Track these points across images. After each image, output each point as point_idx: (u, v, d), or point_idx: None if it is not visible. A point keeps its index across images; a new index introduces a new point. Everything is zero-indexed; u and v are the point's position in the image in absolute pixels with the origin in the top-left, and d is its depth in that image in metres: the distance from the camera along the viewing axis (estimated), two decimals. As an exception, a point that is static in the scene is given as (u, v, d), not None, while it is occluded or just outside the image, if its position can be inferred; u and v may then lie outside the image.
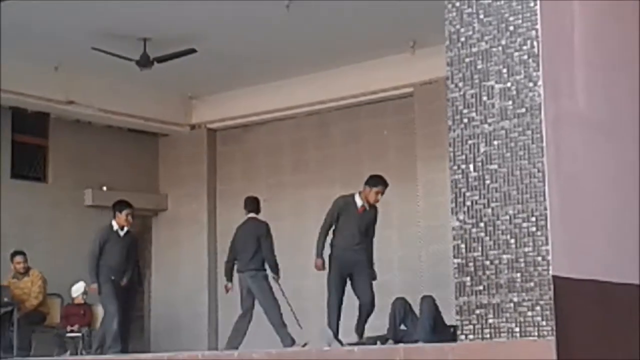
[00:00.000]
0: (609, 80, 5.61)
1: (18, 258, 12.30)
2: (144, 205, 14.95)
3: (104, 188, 14.54)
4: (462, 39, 5.31)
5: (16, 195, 13.39)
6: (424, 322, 9.39)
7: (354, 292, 9.97)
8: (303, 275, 13.88)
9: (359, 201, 10.11)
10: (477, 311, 5.05)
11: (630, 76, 5.80)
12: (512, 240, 4.98)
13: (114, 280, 11.04)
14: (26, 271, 12.29)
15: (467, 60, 5.27)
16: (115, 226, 11.27)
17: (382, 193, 10.09)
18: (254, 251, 10.97)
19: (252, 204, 11.42)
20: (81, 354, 11.65)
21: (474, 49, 5.25)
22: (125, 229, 11.29)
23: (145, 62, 11.87)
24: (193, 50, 11.67)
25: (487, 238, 5.07)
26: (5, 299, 11.90)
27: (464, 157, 5.22)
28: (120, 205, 11.39)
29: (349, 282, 10.01)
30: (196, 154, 15.10)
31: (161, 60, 11.86)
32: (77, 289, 12.36)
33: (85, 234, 14.08)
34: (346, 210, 10.05)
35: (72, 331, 12.15)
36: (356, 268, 9.93)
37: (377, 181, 10.07)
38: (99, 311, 12.65)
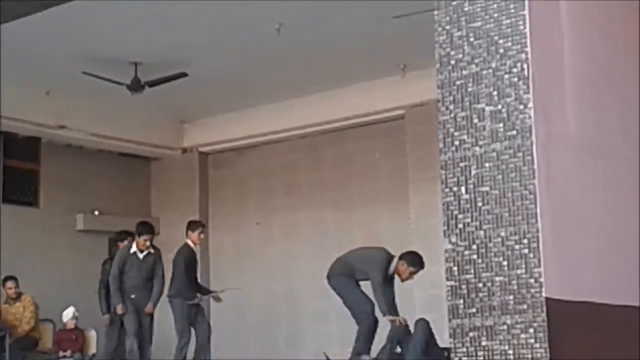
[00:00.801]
0: (598, 100, 5.63)
1: (9, 283, 12.26)
2: (136, 229, 14.94)
3: (96, 212, 14.54)
4: (453, 62, 5.32)
5: (7, 220, 13.35)
6: (416, 345, 9.38)
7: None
8: (295, 300, 13.88)
9: None
10: (471, 334, 5.03)
11: (619, 96, 5.83)
12: (505, 263, 4.98)
13: (134, 300, 11.07)
14: (18, 296, 12.25)
15: (457, 82, 5.28)
16: (134, 248, 11.21)
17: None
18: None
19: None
20: (73, 379, 11.61)
21: (465, 72, 5.27)
22: (145, 252, 11.21)
23: (136, 86, 11.88)
24: (184, 74, 11.69)
25: (480, 260, 5.07)
26: (-3, 325, 11.86)
27: (455, 179, 5.22)
28: (141, 228, 11.31)
29: None
30: (188, 178, 15.10)
31: (152, 84, 11.88)
32: (67, 313, 12.33)
33: (77, 258, 14.09)
34: None
35: (64, 356, 12.10)
36: None
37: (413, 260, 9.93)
38: (92, 336, 12.63)
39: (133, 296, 11.06)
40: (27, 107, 12.84)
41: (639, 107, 5.95)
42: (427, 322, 9.54)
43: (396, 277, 9.89)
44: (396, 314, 9.66)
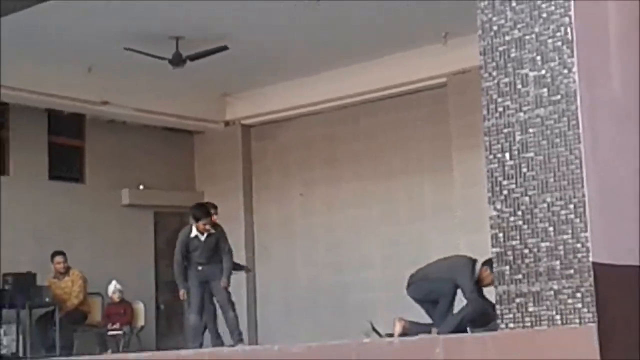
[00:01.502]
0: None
1: (58, 258, 12.44)
2: (181, 203, 15.04)
3: (141, 187, 14.66)
4: (495, 28, 5.29)
5: (54, 196, 13.53)
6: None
7: None
8: (338, 270, 13.94)
9: None
10: (517, 300, 5.03)
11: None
12: (551, 228, 4.96)
13: (200, 273, 10.96)
14: (66, 271, 12.43)
15: (500, 49, 5.25)
16: (194, 232, 10.95)
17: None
18: None
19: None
20: (122, 352, 11.75)
21: (507, 37, 5.23)
22: (206, 234, 10.95)
23: (177, 60, 11.93)
24: (225, 48, 11.71)
25: (525, 226, 5.05)
26: (47, 299, 12.05)
27: (499, 146, 5.20)
28: (198, 213, 11.04)
29: None
30: (231, 151, 15.17)
31: (194, 58, 11.92)
32: (111, 288, 12.49)
33: (123, 232, 14.24)
34: None
35: (113, 329, 12.26)
36: None
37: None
38: (139, 308, 12.79)
39: (200, 268, 10.95)
40: (70, 85, 12.96)
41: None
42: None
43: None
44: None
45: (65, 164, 14.10)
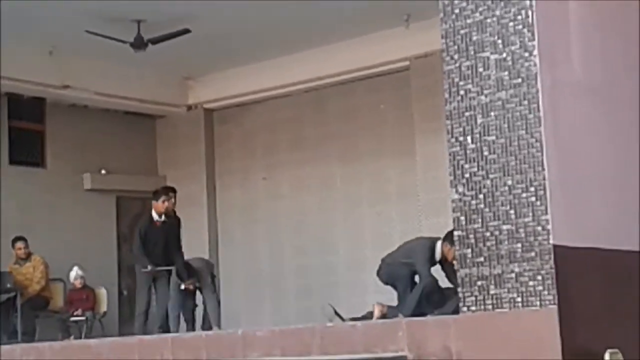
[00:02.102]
0: (605, 46, 5.59)
1: (19, 244, 12.33)
2: (143, 187, 14.93)
3: (103, 171, 14.55)
4: (457, 11, 5.28)
5: (15, 181, 13.39)
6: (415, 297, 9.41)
7: None
8: (302, 253, 13.94)
9: None
10: (479, 283, 5.05)
11: (626, 41, 5.79)
12: (512, 211, 4.98)
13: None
14: (28, 257, 12.32)
15: (462, 32, 5.25)
16: (155, 215, 11.26)
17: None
18: None
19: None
20: (85, 338, 11.68)
21: (469, 20, 5.23)
22: (164, 216, 11.24)
23: (139, 44, 11.84)
24: (187, 31, 11.64)
25: (487, 209, 5.07)
26: (8, 285, 11.95)
27: (461, 129, 5.21)
28: (156, 193, 11.43)
29: None
30: (194, 135, 15.09)
31: (155, 41, 11.83)
32: (72, 274, 12.41)
33: (85, 217, 14.14)
34: None
35: (75, 315, 12.19)
36: None
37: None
38: (102, 294, 12.72)
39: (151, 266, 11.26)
40: (30, 68, 12.81)
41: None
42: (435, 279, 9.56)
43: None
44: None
45: (26, 149, 13.95)
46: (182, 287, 11.02)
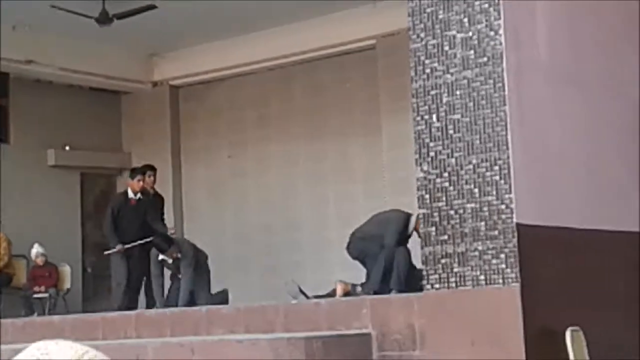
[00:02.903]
0: (573, 26, 5.62)
1: (-19, 220, 12.24)
2: (108, 164, 14.91)
3: (67, 148, 14.44)
4: (423, -11, 5.28)
5: (-23, 156, 13.27)
6: (400, 275, 9.38)
7: None
8: (267, 230, 13.94)
9: None
10: (443, 260, 5.08)
11: (593, 23, 5.82)
12: (476, 190, 5.01)
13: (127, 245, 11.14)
14: (-10, 233, 12.23)
15: (428, 10, 5.25)
16: (130, 193, 11.34)
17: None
18: None
19: None
20: (48, 314, 11.63)
21: (435, -1, 5.24)
22: (139, 194, 11.32)
23: (104, 19, 11.72)
24: (153, 7, 11.54)
25: (451, 188, 5.09)
26: (-30, 262, 11.86)
27: (427, 107, 5.22)
28: (133, 171, 11.65)
29: None
30: (159, 112, 15.01)
31: (120, 16, 11.72)
32: (33, 251, 12.33)
33: (49, 194, 14.04)
34: None
35: (38, 292, 12.13)
36: None
37: None
38: (66, 271, 12.66)
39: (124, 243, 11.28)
40: (-8, 42, 12.67)
41: (617, 34, 5.94)
42: (408, 251, 9.55)
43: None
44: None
45: (-11, 124, 13.82)
46: (160, 257, 10.93)
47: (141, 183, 11.30)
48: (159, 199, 11.74)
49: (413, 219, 9.50)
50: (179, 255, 10.97)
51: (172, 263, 11.05)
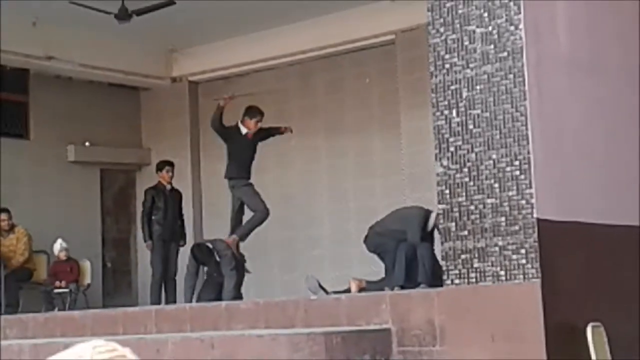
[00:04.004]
0: (593, 19, 5.59)
1: (2, 215, 12.29)
2: (127, 159, 14.94)
3: (87, 143, 14.48)
4: (443, -16, 5.26)
5: (-2, 152, 13.33)
6: (427, 270, 9.34)
7: None
8: (289, 226, 13.94)
9: None
10: (463, 256, 5.07)
11: (613, 14, 5.78)
12: (496, 185, 4.99)
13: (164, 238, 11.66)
14: (11, 228, 12.28)
15: (448, 5, 5.24)
16: (165, 184, 11.92)
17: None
18: None
19: None
20: (69, 310, 11.67)
21: (455, -7, 5.22)
22: (169, 186, 11.90)
23: (124, 15, 11.74)
24: (172, 2, 11.55)
25: (471, 183, 5.08)
26: (-9, 257, 11.91)
27: (446, 102, 5.20)
28: (161, 163, 12.16)
29: None
30: (178, 107, 15.03)
31: (140, 13, 11.74)
32: (56, 246, 12.37)
33: (69, 189, 14.10)
34: None
35: (59, 287, 12.17)
36: None
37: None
38: (86, 266, 12.70)
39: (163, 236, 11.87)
40: (14, 39, 12.69)
41: (638, 24, 5.90)
42: (433, 245, 9.53)
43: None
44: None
45: (10, 120, 13.86)
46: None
47: (170, 174, 11.98)
48: (177, 194, 11.97)
49: (433, 216, 9.47)
50: (218, 258, 11.00)
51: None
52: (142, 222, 11.83)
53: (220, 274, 10.78)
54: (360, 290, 9.42)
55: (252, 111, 10.92)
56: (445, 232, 5.16)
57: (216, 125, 10.87)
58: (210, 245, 10.78)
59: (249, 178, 10.85)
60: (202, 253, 10.76)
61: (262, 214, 10.70)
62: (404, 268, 9.39)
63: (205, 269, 11.29)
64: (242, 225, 10.83)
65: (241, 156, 10.89)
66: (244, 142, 10.88)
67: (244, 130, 10.89)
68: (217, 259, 10.77)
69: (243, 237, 10.70)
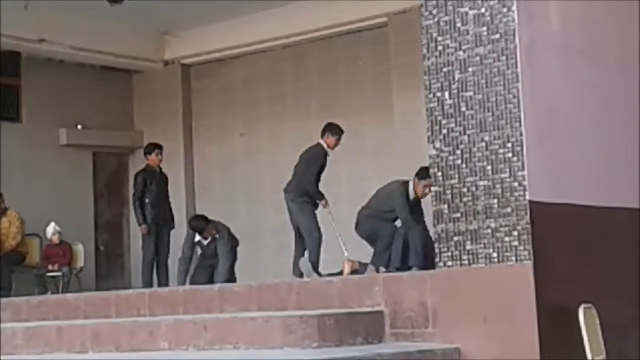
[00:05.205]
0: (584, 2, 5.58)
1: (-5, 199, 12.26)
2: (120, 143, 14.91)
3: (79, 127, 14.45)
4: (435, -35, 5.25)
5: (-11, 136, 13.29)
6: (418, 251, 9.41)
7: None
8: (282, 210, 13.93)
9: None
10: (455, 238, 5.07)
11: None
12: (489, 167, 4.99)
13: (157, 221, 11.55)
14: (3, 212, 12.25)
15: (440, -14, 5.22)
16: (154, 167, 11.75)
17: None
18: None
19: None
20: (62, 293, 11.67)
21: (447, -25, 5.20)
22: (159, 169, 11.78)
23: (115, -3, 11.70)
24: (164, -15, 11.52)
25: (464, 165, 5.08)
26: (-17, 241, 11.89)
27: (439, 84, 5.20)
28: (149, 147, 11.97)
29: None
30: (171, 90, 14.99)
31: (132, -5, 11.69)
32: (49, 230, 12.35)
33: (61, 173, 14.07)
34: None
35: (52, 270, 12.17)
36: None
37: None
38: (79, 249, 12.69)
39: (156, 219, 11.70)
40: (5, 22, 12.61)
41: (629, 8, 5.89)
42: (425, 228, 9.57)
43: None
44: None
45: (1, 103, 13.80)
46: (196, 239, 11.12)
47: (159, 157, 11.76)
48: (164, 177, 11.93)
49: (410, 184, 9.59)
50: (217, 235, 11.07)
51: (207, 245, 11.17)
52: (135, 206, 11.68)
53: (214, 254, 10.87)
54: (354, 271, 9.45)
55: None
56: (438, 214, 5.17)
57: None
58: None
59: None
60: (199, 220, 11.16)
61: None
62: (400, 251, 9.44)
63: (199, 252, 11.34)
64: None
65: None
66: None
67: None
68: (215, 230, 11.01)
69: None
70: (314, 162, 10.30)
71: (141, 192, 11.57)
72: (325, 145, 10.43)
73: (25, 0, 12.63)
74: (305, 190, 10.23)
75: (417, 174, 9.71)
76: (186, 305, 6.52)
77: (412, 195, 9.75)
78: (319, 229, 10.12)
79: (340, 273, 9.50)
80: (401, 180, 9.90)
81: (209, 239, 11.28)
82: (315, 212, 10.29)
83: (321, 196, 10.29)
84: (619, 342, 5.18)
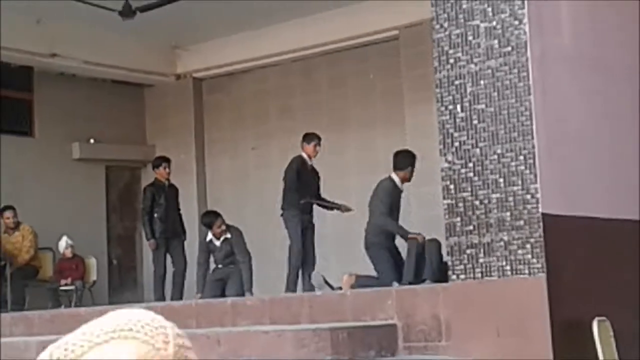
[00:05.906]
0: (596, 14, 5.59)
1: (7, 213, 12.30)
2: (132, 156, 14.95)
3: (91, 141, 14.50)
4: (447, -21, 5.26)
5: (3, 150, 13.33)
6: (433, 264, 9.37)
7: None
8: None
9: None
10: (468, 251, 5.07)
11: (616, 10, 5.78)
12: (501, 180, 4.99)
13: (167, 235, 11.63)
14: (16, 226, 12.29)
15: (451, 0, 5.23)
16: (163, 181, 11.82)
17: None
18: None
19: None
20: (75, 307, 11.69)
21: (459, -11, 5.21)
22: (167, 182, 11.84)
23: (127, 12, 11.76)
24: (175, -1, 11.57)
25: (476, 178, 5.08)
26: (-3, 254, 11.93)
27: (451, 97, 5.21)
28: (157, 160, 12.08)
29: None
30: (182, 104, 15.03)
31: (144, 9, 11.76)
32: (62, 244, 12.38)
33: (74, 187, 14.11)
34: None
35: (65, 284, 12.19)
36: None
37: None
38: (92, 263, 12.72)
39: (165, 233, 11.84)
40: (18, 36, 12.70)
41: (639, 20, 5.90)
42: (439, 242, 9.54)
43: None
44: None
45: (14, 118, 13.86)
46: (208, 238, 11.18)
47: (167, 170, 11.81)
48: (174, 190, 12.02)
49: (394, 176, 9.73)
50: (224, 228, 11.16)
51: (220, 247, 11.18)
52: (143, 221, 11.72)
53: (230, 253, 11.06)
54: (350, 287, 9.39)
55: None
56: (451, 227, 5.17)
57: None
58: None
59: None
60: (209, 215, 11.29)
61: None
62: (414, 264, 9.41)
63: (212, 258, 11.40)
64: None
65: None
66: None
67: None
68: (225, 227, 11.23)
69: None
70: (287, 173, 11.04)
71: (150, 206, 11.59)
72: (305, 156, 11.02)
73: (38, 15, 12.70)
74: (288, 204, 10.96)
75: (395, 167, 9.89)
76: (199, 319, 6.53)
77: (401, 187, 9.84)
78: (302, 243, 10.60)
79: (340, 288, 9.47)
80: (384, 179, 9.96)
81: (221, 239, 11.30)
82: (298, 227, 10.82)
83: (308, 206, 10.98)
84: (632, 354, 5.16)
